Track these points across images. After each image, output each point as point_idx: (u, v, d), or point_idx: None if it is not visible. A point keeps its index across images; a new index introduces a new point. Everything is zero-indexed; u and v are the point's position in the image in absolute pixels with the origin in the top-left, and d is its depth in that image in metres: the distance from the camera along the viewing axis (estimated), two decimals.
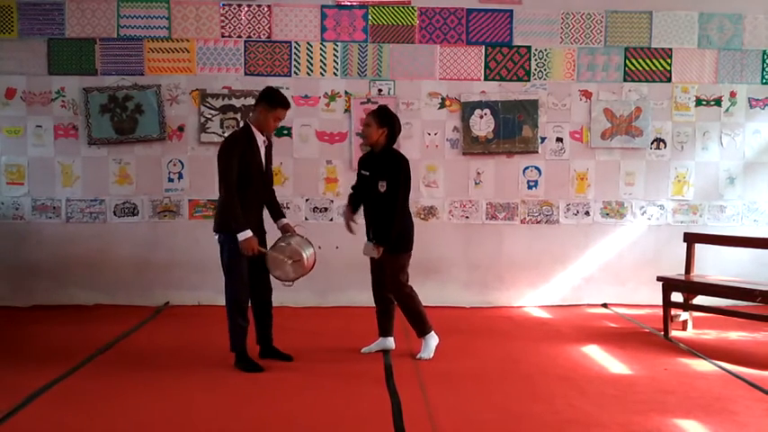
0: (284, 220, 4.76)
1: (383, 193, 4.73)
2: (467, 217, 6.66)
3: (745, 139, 6.82)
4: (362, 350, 5.01)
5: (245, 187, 4.45)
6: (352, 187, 5.08)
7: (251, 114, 4.66)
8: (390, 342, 5.06)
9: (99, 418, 3.74)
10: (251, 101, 6.41)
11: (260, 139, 4.56)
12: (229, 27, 6.51)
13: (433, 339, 4.94)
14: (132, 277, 6.51)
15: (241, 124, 6.35)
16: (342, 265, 6.55)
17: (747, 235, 6.46)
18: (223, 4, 6.49)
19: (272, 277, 4.66)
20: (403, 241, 4.84)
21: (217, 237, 4.58)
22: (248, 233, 4.39)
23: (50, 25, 6.44)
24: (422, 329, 4.93)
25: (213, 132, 6.48)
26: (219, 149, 4.51)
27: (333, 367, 4.65)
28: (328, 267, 6.51)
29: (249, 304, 4.66)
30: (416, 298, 4.91)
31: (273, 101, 4.52)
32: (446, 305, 6.47)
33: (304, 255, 4.51)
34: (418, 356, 4.85)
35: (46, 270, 6.46)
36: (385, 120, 4.80)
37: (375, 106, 6.48)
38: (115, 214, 6.53)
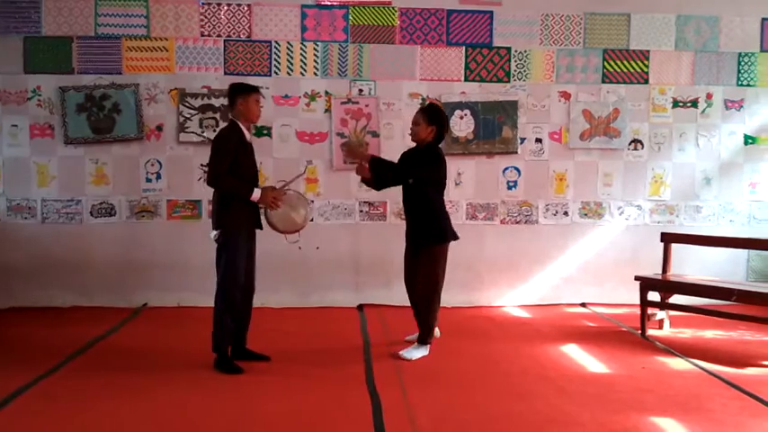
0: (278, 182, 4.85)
1: (411, 185, 4.87)
2: None
3: (720, 141, 6.92)
4: (406, 338, 5.21)
5: (241, 180, 4.51)
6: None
7: (232, 113, 4.66)
8: (435, 331, 5.11)
9: (76, 420, 3.69)
10: None
11: (247, 134, 4.64)
12: (209, 26, 6.47)
13: (424, 350, 4.93)
14: (110, 278, 6.44)
15: (221, 123, 6.33)
16: (323, 266, 6.55)
17: (723, 235, 6.57)
18: (202, 3, 6.45)
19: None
20: (437, 233, 4.87)
21: (214, 236, 4.53)
22: (257, 190, 4.51)
23: (26, 23, 6.35)
24: (424, 337, 4.94)
25: (192, 132, 6.43)
26: (213, 141, 4.59)
27: (313, 368, 4.63)
28: (309, 268, 6.51)
29: None
30: (438, 304, 4.95)
31: (246, 88, 4.62)
32: None
33: (304, 206, 4.70)
34: (401, 353, 4.85)
35: (22, 271, 6.36)
36: (434, 118, 4.87)
37: (356, 107, 6.57)
38: (92, 215, 6.46)
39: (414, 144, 5.08)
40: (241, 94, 4.58)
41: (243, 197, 4.50)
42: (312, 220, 6.51)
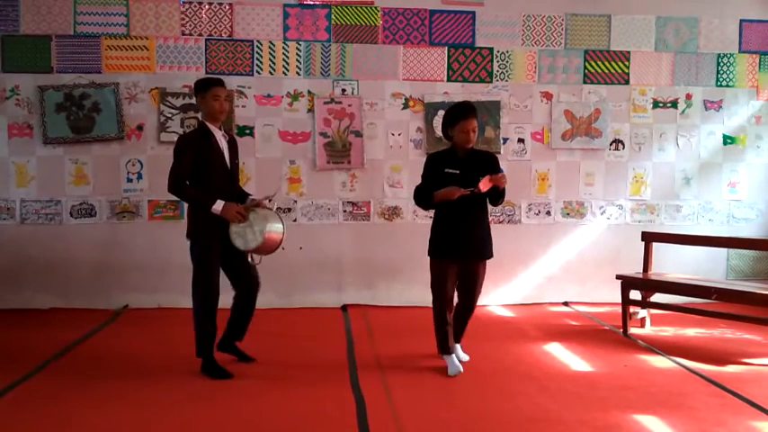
0: (251, 197, 4.55)
1: (485, 192, 4.47)
2: (431, 217, 6.61)
3: (700, 141, 6.99)
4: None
5: (210, 185, 4.31)
6: (424, 188, 4.63)
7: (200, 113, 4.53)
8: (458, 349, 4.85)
9: (54, 425, 3.64)
10: None
11: (218, 134, 4.41)
12: (190, 25, 6.42)
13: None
14: (90, 280, 6.36)
15: None
16: (306, 266, 6.53)
17: (703, 234, 6.65)
18: (183, 2, 6.40)
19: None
20: (491, 243, 4.69)
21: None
22: (220, 202, 4.25)
23: (4, 22, 6.26)
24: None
25: (173, 132, 6.37)
26: (174, 147, 4.39)
27: (297, 369, 4.60)
28: (292, 268, 6.48)
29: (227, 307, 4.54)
30: None
31: (204, 85, 4.39)
32: (411, 305, 6.48)
33: (267, 226, 4.31)
34: (466, 359, 4.78)
35: (0, 273, 6.26)
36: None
37: (339, 107, 6.55)
38: (72, 215, 6.38)
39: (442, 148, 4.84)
40: (198, 92, 4.38)
41: (203, 208, 4.27)
42: (295, 221, 6.50)
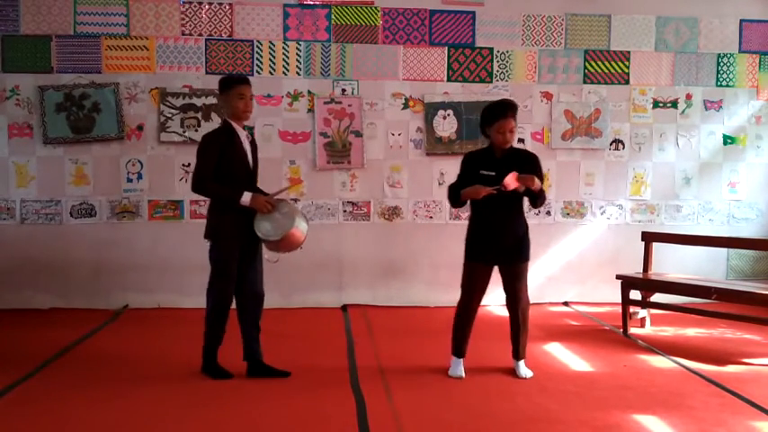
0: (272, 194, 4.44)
1: (522, 193, 4.26)
2: (431, 217, 6.68)
3: (700, 141, 6.99)
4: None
5: (231, 184, 4.22)
6: (456, 186, 4.43)
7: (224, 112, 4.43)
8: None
9: (53, 425, 3.64)
10: (212, 100, 6.34)
11: (242, 134, 4.33)
12: (190, 25, 6.42)
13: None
14: (90, 280, 6.36)
15: (202, 123, 6.29)
16: (307, 266, 6.52)
17: (703, 234, 6.65)
18: (183, 2, 6.40)
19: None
20: (529, 244, 4.47)
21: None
22: (248, 194, 4.17)
23: (4, 22, 6.26)
24: (524, 352, 4.56)
25: (173, 132, 6.38)
26: (199, 144, 4.32)
27: (297, 369, 4.59)
28: (293, 268, 6.45)
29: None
30: None
31: (227, 83, 4.30)
32: (411, 305, 6.50)
33: (296, 220, 4.22)
34: (525, 376, 4.48)
35: (0, 273, 6.26)
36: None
37: (339, 107, 6.55)
38: (72, 215, 6.38)
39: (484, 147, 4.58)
40: (222, 90, 4.30)
41: (231, 201, 4.20)
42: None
